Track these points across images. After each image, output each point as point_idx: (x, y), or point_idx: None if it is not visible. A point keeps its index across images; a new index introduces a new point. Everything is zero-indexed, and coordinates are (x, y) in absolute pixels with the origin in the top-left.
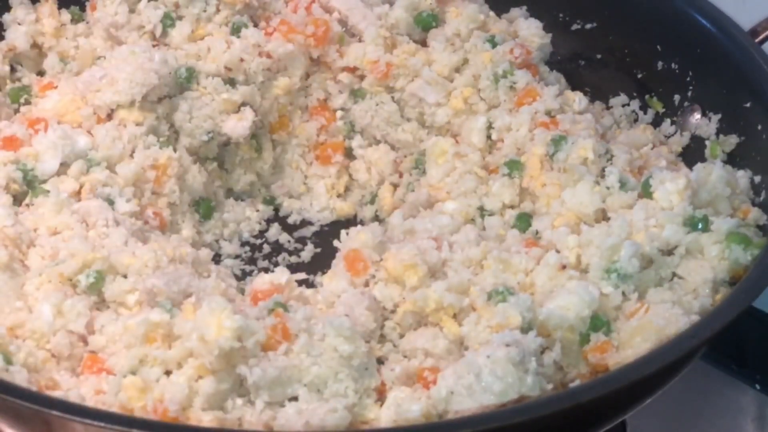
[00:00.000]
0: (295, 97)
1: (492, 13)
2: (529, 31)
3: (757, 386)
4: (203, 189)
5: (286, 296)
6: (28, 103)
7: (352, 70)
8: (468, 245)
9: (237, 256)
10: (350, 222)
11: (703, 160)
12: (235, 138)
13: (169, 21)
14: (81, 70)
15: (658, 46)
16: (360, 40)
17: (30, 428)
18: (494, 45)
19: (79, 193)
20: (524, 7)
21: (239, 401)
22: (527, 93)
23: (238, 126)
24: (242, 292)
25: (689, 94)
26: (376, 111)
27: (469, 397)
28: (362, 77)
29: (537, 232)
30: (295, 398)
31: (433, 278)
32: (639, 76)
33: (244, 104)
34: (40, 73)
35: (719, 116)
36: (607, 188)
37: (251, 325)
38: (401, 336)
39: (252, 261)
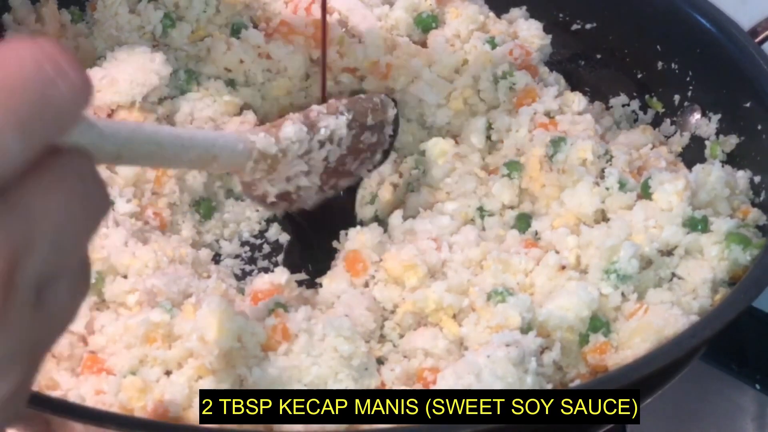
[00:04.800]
0: (295, 98)
1: (492, 14)
2: (529, 32)
3: (757, 386)
4: (203, 189)
5: (286, 296)
6: None
7: (352, 70)
8: (468, 246)
9: (237, 256)
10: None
11: (703, 160)
12: None
13: (169, 22)
14: None
15: (658, 46)
16: (360, 41)
17: (30, 428)
18: (494, 46)
19: None
20: (524, 8)
21: None
22: (527, 94)
23: (240, 129)
24: (242, 292)
25: (689, 94)
26: None
27: None
28: (362, 78)
29: (536, 233)
30: None
31: (432, 279)
32: (639, 76)
33: (245, 106)
34: None
35: (719, 116)
36: (607, 189)
37: (251, 325)
38: (401, 336)
39: (252, 261)
